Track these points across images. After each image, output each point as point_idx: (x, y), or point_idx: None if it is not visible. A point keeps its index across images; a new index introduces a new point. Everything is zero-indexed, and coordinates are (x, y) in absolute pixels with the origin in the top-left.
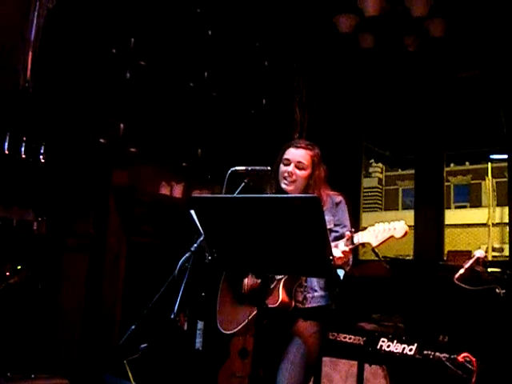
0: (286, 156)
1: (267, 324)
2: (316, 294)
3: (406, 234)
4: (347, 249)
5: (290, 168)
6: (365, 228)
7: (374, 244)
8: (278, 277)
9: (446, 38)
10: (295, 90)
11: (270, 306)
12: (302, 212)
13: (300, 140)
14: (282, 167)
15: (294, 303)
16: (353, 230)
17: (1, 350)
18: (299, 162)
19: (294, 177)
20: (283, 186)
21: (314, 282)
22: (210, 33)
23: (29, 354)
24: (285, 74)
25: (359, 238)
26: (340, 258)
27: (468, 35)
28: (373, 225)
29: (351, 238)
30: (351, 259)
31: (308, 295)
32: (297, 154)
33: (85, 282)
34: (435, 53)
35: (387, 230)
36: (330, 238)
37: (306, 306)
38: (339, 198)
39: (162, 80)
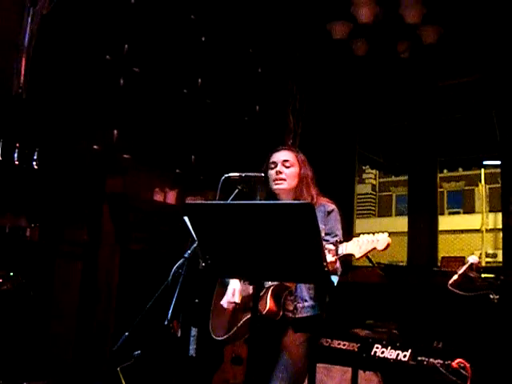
0: (271, 160)
1: (259, 331)
2: (306, 303)
3: (388, 246)
4: (333, 259)
5: (278, 167)
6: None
7: (357, 255)
8: (267, 285)
9: (439, 44)
10: (289, 97)
11: (260, 313)
12: (295, 219)
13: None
14: (270, 171)
15: (281, 312)
16: (338, 240)
17: None
18: (285, 160)
19: (282, 175)
20: (275, 186)
21: (304, 292)
22: (203, 39)
23: (21, 361)
24: (278, 80)
25: (343, 248)
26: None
27: (461, 42)
28: (358, 235)
29: (336, 249)
30: (340, 269)
31: (298, 305)
32: (280, 154)
33: (78, 289)
34: (428, 59)
35: (370, 242)
36: None
37: (297, 316)
38: (332, 207)
39: (155, 87)
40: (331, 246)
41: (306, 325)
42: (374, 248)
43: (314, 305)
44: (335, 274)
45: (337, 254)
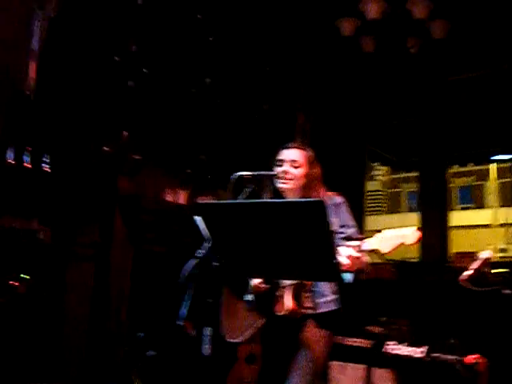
0: (279, 157)
1: (275, 330)
2: (328, 298)
3: (418, 240)
4: (358, 255)
5: (285, 167)
6: (373, 234)
7: (384, 251)
8: (285, 284)
9: (448, 39)
10: (298, 95)
11: (278, 313)
12: (307, 216)
13: (291, 142)
14: (277, 169)
15: (301, 310)
16: (360, 236)
17: (7, 358)
18: (293, 160)
19: (289, 175)
20: (279, 185)
21: (325, 287)
22: (211, 39)
23: (34, 362)
24: (287, 78)
25: (368, 245)
26: (349, 263)
27: (469, 36)
28: (380, 231)
29: (360, 245)
30: (366, 265)
31: (319, 300)
32: (289, 154)
33: (91, 290)
34: (437, 55)
35: (397, 237)
36: (337, 240)
37: (318, 311)
38: (340, 199)
39: (164, 87)
40: (355, 243)
41: (329, 319)
42: (403, 243)
43: (334, 299)
44: (361, 271)
45: (361, 250)
